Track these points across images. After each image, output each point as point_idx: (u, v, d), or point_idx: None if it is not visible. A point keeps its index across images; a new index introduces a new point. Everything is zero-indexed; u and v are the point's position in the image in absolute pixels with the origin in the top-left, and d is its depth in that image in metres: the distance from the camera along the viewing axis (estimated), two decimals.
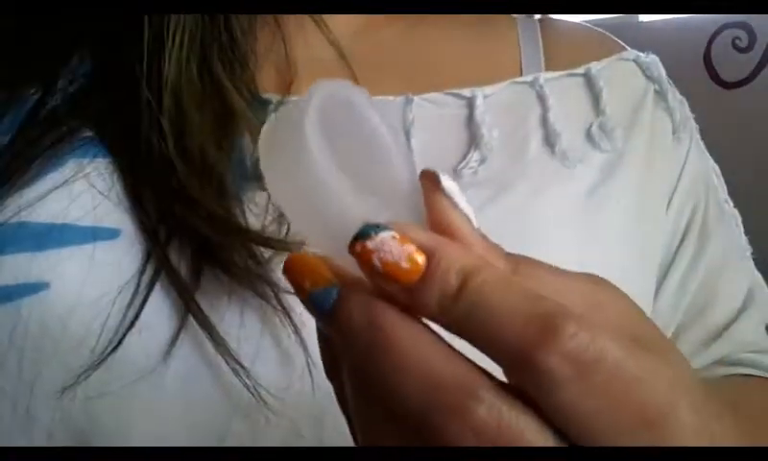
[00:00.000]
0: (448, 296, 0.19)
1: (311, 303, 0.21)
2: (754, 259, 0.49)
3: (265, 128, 0.23)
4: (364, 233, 0.20)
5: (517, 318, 0.19)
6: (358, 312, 0.20)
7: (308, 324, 0.33)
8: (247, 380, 0.32)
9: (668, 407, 0.18)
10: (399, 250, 0.19)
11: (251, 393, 0.32)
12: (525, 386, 0.19)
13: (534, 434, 0.19)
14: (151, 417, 0.33)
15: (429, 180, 0.22)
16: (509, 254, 0.21)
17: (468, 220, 0.22)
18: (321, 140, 0.21)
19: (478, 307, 0.19)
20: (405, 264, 0.19)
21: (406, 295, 0.20)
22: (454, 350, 0.20)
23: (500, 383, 0.19)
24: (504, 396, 0.19)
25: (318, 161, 0.21)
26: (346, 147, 0.22)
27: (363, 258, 0.20)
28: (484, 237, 0.22)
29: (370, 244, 0.19)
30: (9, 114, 0.37)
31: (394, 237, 0.20)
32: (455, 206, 0.22)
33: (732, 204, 0.49)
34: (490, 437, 0.18)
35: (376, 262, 0.19)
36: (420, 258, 0.19)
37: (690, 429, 0.18)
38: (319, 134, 0.21)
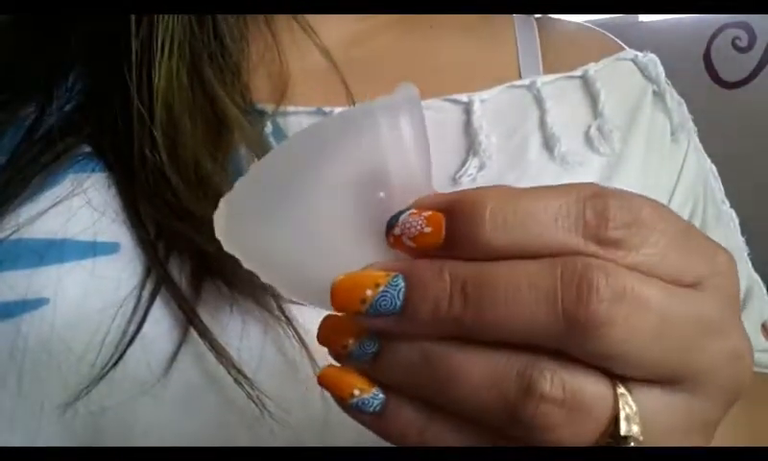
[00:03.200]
0: (494, 226, 0.20)
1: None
2: (751, 260, 0.49)
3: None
4: (390, 225, 0.21)
5: (560, 199, 0.20)
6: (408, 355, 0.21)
7: (312, 331, 0.33)
8: (251, 391, 0.32)
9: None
10: (417, 220, 0.21)
11: (254, 404, 0.32)
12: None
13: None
14: (154, 430, 0.33)
15: None
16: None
17: None
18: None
19: (521, 217, 0.20)
20: (427, 229, 0.21)
21: (448, 250, 0.21)
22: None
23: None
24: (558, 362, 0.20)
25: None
26: None
27: (399, 246, 0.21)
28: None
29: (396, 230, 0.21)
30: (7, 134, 0.37)
31: (412, 214, 0.21)
32: None
33: (728, 204, 0.49)
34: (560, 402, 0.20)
35: (408, 243, 0.21)
36: (440, 218, 0.21)
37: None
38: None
